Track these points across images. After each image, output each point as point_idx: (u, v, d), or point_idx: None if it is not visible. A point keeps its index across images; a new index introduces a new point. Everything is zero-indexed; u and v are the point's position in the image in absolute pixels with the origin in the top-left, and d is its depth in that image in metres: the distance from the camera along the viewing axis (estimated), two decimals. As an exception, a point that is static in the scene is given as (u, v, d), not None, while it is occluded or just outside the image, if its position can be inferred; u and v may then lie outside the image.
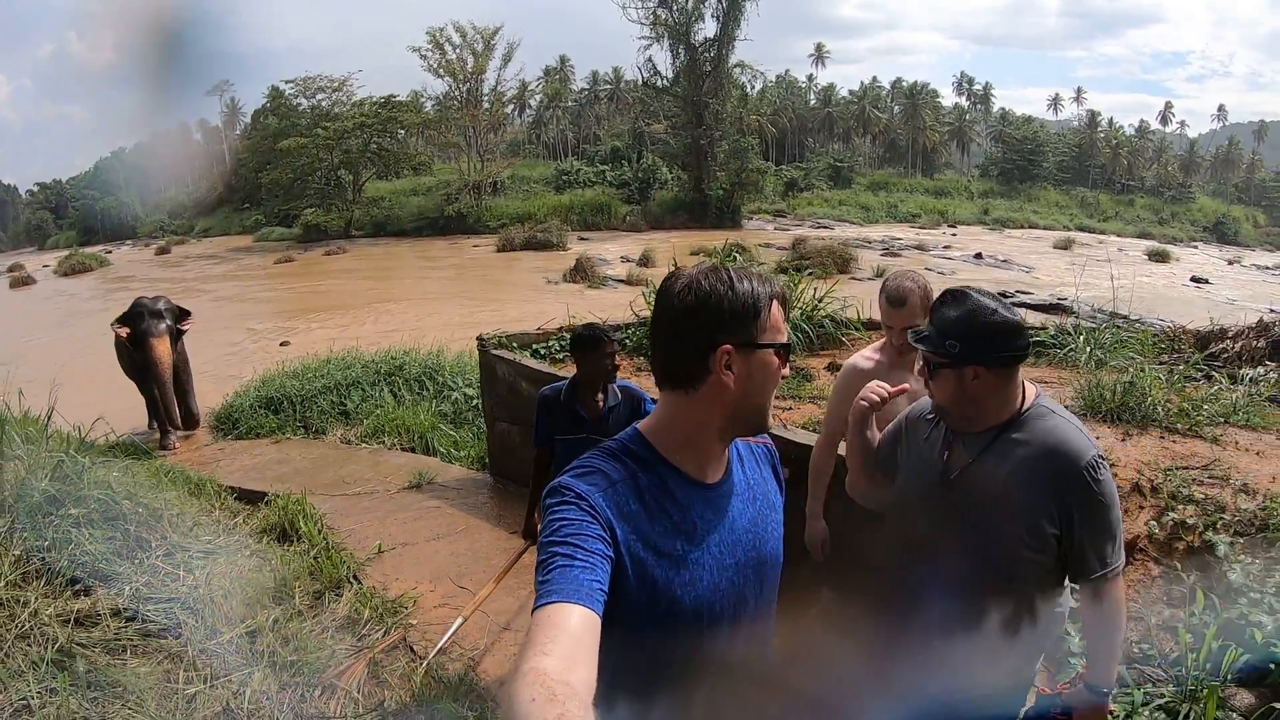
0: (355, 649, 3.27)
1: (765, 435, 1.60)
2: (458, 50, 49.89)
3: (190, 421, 8.93)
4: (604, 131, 74.74)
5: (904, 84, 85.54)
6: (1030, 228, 59.07)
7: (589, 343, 3.37)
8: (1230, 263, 44.71)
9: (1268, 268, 41.71)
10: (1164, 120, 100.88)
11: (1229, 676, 2.13)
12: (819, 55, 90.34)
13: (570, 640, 1.09)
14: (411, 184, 53.78)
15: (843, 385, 2.91)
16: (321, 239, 45.38)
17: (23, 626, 3.17)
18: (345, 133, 47.38)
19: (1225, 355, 5.45)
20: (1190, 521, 2.91)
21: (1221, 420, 3.85)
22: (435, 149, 56.75)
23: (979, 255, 35.71)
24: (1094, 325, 6.49)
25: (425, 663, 3.08)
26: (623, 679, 1.33)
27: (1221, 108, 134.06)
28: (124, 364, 8.97)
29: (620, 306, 8.75)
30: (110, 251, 49.57)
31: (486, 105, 51.74)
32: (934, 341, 1.91)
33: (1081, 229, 60.89)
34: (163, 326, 8.41)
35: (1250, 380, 4.51)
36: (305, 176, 48.28)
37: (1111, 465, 3.27)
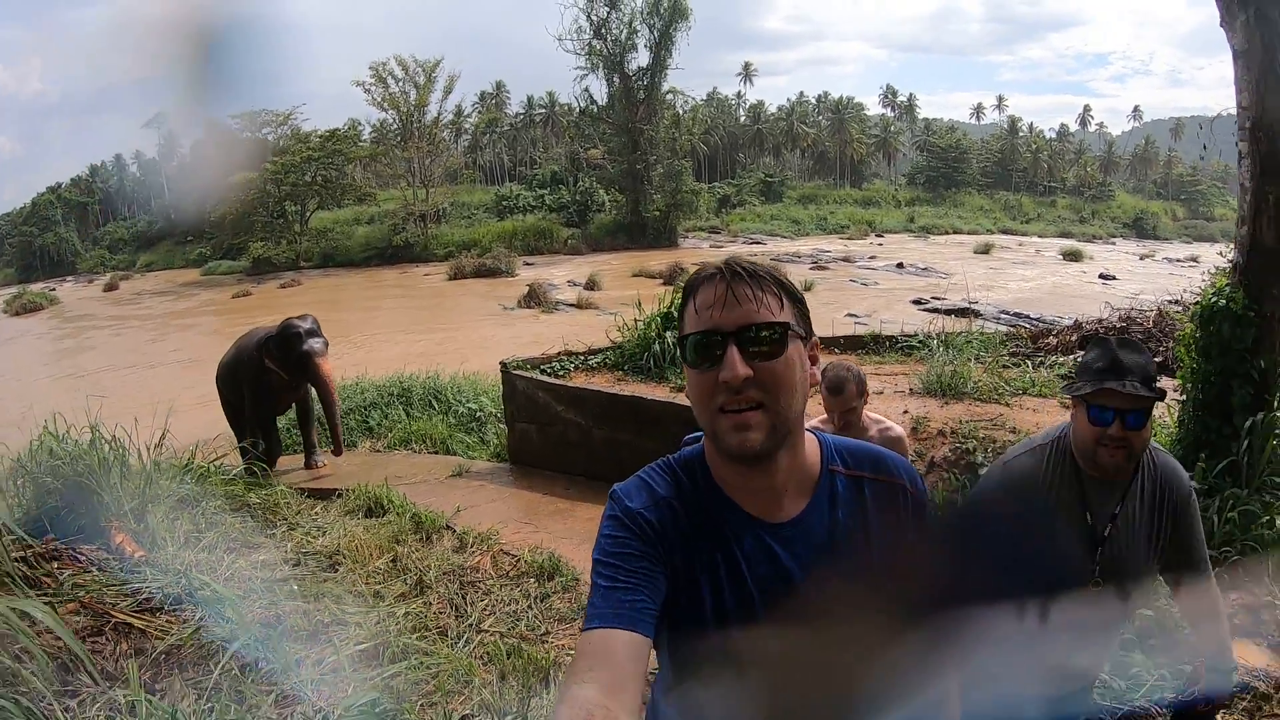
0: (475, 555, 5.04)
1: (908, 475, 1.38)
2: (400, 83, 51.22)
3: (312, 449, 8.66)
4: (540, 155, 75.94)
5: (830, 98, 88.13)
6: (954, 233, 61.67)
7: None
8: (1142, 258, 47.71)
9: (1179, 260, 43.84)
10: (1083, 123, 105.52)
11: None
12: (746, 74, 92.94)
13: (611, 666, 1.08)
14: (354, 213, 54.55)
15: None
16: (270, 271, 46.24)
17: (231, 569, 4.78)
18: (292, 166, 48.15)
19: (1048, 347, 7.50)
20: (969, 448, 4.89)
21: (1021, 392, 5.85)
22: (374, 177, 57.66)
23: (900, 265, 37.98)
24: (986, 325, 8.58)
25: (523, 556, 4.87)
26: (685, 681, 1.30)
27: (1137, 108, 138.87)
28: (233, 390, 8.52)
29: (586, 328, 10.47)
30: (54, 289, 49.62)
31: (429, 136, 53.03)
32: (1151, 388, 1.90)
33: (1005, 232, 63.86)
34: (321, 344, 8.02)
35: (1051, 365, 6.56)
36: (253, 210, 48.81)
37: (928, 422, 5.26)
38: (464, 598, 4.33)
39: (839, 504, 1.30)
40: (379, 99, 51.40)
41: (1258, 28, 4.36)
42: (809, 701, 1.20)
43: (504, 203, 58.05)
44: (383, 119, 55.71)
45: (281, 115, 51.82)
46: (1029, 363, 6.71)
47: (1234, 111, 4.60)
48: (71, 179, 74.46)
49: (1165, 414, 4.73)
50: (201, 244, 55.50)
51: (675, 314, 8.47)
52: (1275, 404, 4.20)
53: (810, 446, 1.32)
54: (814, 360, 1.28)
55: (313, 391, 8.42)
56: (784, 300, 1.22)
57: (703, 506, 1.27)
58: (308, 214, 51.13)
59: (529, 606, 4.22)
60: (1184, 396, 4.53)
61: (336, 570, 5.09)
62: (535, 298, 28.89)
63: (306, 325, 8.00)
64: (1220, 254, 11.29)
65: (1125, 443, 1.91)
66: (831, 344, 9.35)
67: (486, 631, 3.89)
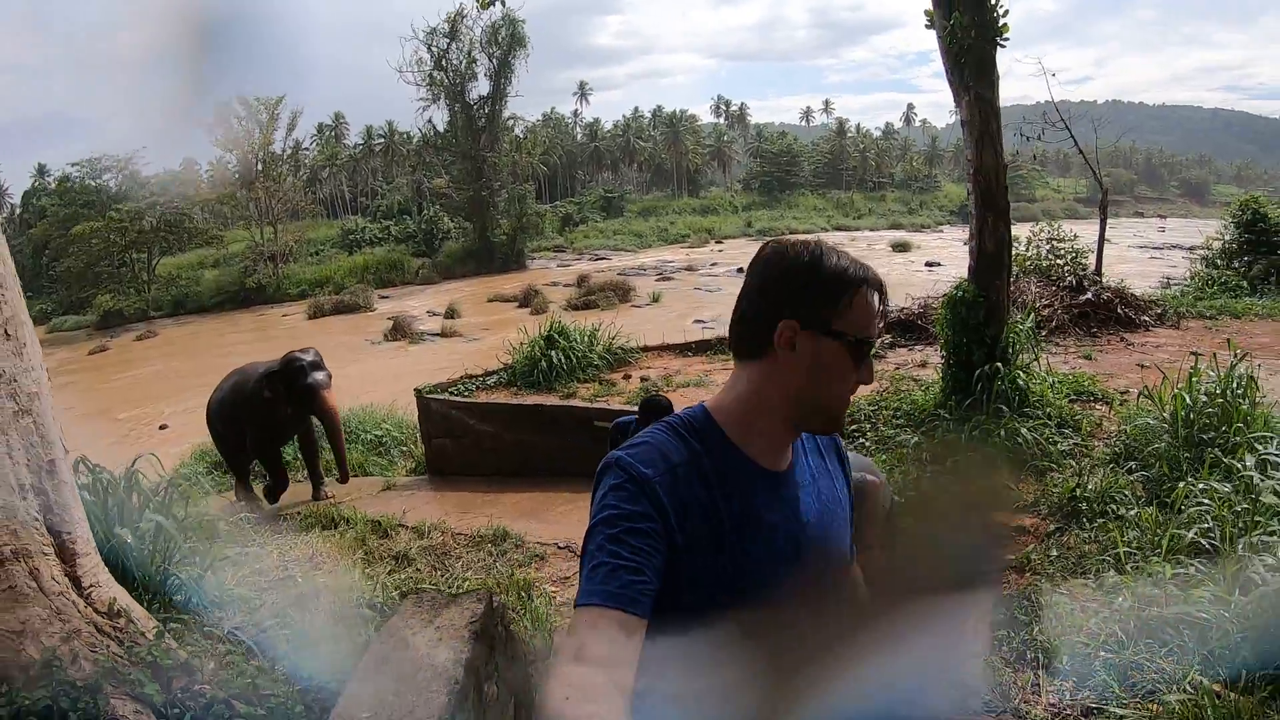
0: (435, 537, 6.31)
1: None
2: (243, 122, 49.68)
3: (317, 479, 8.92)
4: (382, 186, 75.43)
5: (664, 111, 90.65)
6: (791, 234, 64.93)
7: (662, 410, 3.94)
8: (966, 244, 52.32)
9: (1001, 241, 48.59)
10: (908, 120, 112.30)
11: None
12: (582, 92, 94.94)
13: (606, 645, 1.10)
14: (199, 257, 52.50)
15: None
16: (120, 323, 44.22)
17: (235, 578, 5.91)
18: (138, 213, 46.14)
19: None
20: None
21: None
22: (213, 217, 55.88)
23: (741, 269, 38.97)
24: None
25: (474, 532, 6.22)
26: (685, 668, 1.22)
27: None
28: (229, 426, 8.57)
29: (457, 355, 11.43)
30: (-117, 359, 46.27)
31: (273, 175, 51.83)
32: None
33: (839, 228, 67.40)
34: (325, 377, 8.15)
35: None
36: (97, 261, 46.59)
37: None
38: (443, 562, 5.69)
39: (807, 453, 1.44)
40: (223, 141, 49.79)
41: (976, 105, 6.34)
42: (824, 638, 1.29)
43: (350, 236, 57.52)
44: (221, 156, 54.01)
45: (122, 160, 50.24)
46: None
47: (1030, 103, 6.76)
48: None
49: (933, 371, 6.62)
50: (41, 300, 52.64)
51: (556, 336, 9.87)
52: (998, 359, 6.09)
53: None
54: None
55: (313, 422, 8.67)
56: None
57: (717, 462, 1.31)
58: (154, 261, 49.03)
59: (494, 561, 5.65)
60: (943, 358, 6.42)
61: (321, 568, 6.21)
62: (400, 330, 29.40)
63: (309, 358, 8.13)
64: (1032, 233, 13.45)
65: None
66: (684, 349, 10.86)
67: (470, 579, 5.28)
